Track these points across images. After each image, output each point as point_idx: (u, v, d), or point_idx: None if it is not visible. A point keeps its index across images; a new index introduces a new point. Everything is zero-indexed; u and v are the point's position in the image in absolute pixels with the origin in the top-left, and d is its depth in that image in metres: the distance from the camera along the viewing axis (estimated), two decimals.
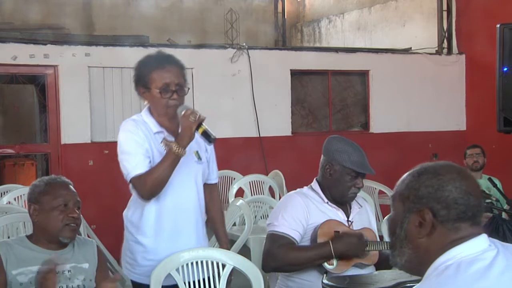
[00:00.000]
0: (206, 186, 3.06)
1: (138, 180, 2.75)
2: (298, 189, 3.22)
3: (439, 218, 1.54)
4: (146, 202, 2.81)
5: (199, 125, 2.71)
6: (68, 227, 2.59)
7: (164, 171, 2.71)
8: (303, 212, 3.03)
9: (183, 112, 2.74)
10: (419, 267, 1.58)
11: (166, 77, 2.81)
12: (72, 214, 2.59)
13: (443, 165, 1.62)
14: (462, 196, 1.54)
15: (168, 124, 2.88)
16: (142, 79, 2.86)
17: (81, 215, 2.70)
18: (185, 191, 2.88)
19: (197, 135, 2.75)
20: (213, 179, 3.12)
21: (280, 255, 2.94)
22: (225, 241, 3.13)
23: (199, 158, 2.95)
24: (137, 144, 2.78)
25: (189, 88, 2.93)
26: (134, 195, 2.89)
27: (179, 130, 2.78)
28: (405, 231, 1.58)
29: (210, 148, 3.04)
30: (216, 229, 3.15)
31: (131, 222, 2.91)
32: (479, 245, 1.52)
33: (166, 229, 2.86)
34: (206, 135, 2.72)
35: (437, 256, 1.52)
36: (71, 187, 2.67)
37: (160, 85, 2.80)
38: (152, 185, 2.73)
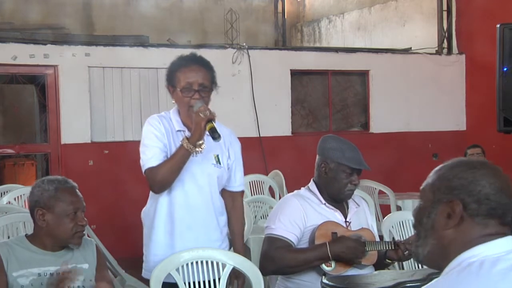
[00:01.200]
0: (229, 193, 3.06)
1: (150, 172, 2.79)
2: (295, 191, 3.21)
3: (469, 211, 1.52)
4: (158, 195, 2.85)
5: (209, 122, 2.72)
6: (77, 235, 2.60)
7: (174, 165, 2.75)
8: (300, 215, 3.02)
9: (195, 109, 2.76)
10: (440, 260, 1.55)
11: (190, 76, 2.84)
12: (81, 222, 2.60)
13: (479, 160, 1.61)
14: (495, 192, 1.52)
15: (191, 123, 2.86)
16: (170, 78, 2.91)
17: None
18: (197, 190, 2.88)
19: (222, 140, 2.80)
20: (236, 187, 3.09)
21: (277, 257, 2.93)
22: (239, 252, 3.06)
23: (218, 162, 2.94)
24: (156, 137, 2.82)
25: (212, 90, 2.94)
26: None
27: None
28: (432, 221, 1.57)
29: (237, 156, 3.04)
30: (233, 238, 3.12)
31: (147, 216, 2.95)
32: (505, 245, 1.50)
33: (177, 226, 2.87)
34: (212, 132, 2.73)
35: (461, 251, 1.50)
36: (78, 191, 2.66)
37: (183, 84, 2.84)
38: (161, 177, 2.76)
